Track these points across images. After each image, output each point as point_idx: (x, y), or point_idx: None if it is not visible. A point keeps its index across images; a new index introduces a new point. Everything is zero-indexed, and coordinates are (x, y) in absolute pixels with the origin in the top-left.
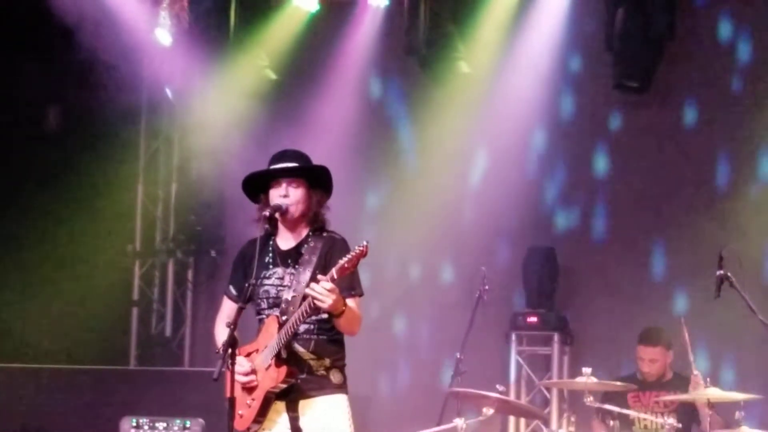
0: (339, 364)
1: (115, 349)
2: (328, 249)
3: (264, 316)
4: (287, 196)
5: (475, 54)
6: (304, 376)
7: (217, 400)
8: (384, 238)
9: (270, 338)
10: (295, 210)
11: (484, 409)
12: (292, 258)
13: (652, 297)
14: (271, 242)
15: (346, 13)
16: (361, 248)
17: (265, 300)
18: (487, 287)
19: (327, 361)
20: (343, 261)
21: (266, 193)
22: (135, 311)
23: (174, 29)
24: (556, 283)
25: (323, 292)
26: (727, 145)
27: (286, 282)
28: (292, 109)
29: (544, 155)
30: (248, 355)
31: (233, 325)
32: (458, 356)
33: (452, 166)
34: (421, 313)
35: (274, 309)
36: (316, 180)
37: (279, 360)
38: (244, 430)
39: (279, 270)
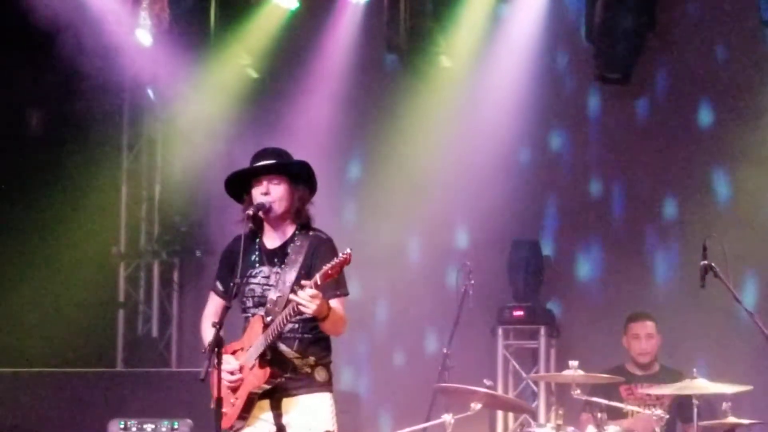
0: (324, 362)
1: (102, 351)
2: (313, 249)
3: (249, 315)
4: (268, 193)
5: (456, 48)
6: (288, 375)
7: (205, 401)
8: (368, 233)
9: (255, 338)
10: (278, 207)
11: (472, 404)
12: (278, 257)
13: (639, 289)
14: (257, 240)
15: (326, 9)
16: (345, 255)
17: (250, 299)
18: (472, 281)
19: (312, 360)
20: (326, 267)
21: (249, 193)
22: (121, 313)
23: (154, 29)
24: (541, 277)
25: (306, 298)
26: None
27: (272, 281)
28: (274, 107)
29: (526, 148)
30: (234, 353)
31: (219, 325)
32: (445, 351)
33: (434, 160)
34: (407, 309)
35: (260, 308)
36: (298, 176)
37: (263, 361)
38: (228, 428)
39: (265, 269)
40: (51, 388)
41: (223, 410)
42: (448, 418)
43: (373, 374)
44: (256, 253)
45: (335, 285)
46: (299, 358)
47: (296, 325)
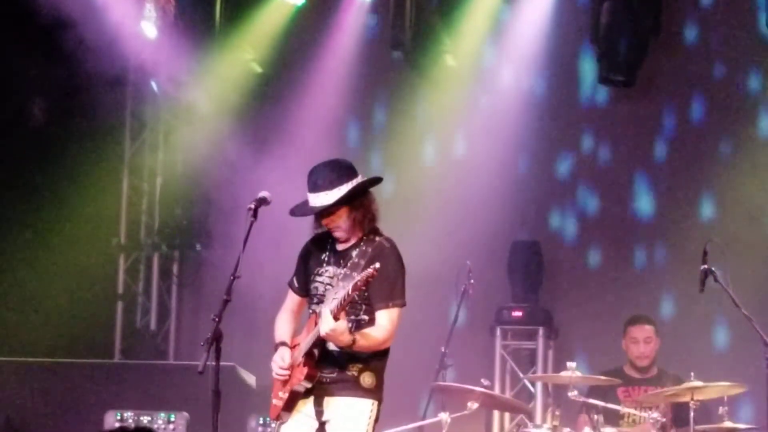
0: (374, 367)
1: (100, 342)
2: (373, 256)
3: (311, 312)
4: (330, 225)
5: (461, 47)
6: (334, 375)
7: (202, 394)
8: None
9: (309, 335)
10: (344, 233)
11: (469, 404)
12: (344, 259)
13: (638, 292)
14: (330, 240)
15: (332, 6)
16: (371, 271)
17: (315, 296)
18: (472, 281)
19: (360, 363)
20: (348, 288)
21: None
22: (120, 305)
23: (160, 22)
24: (541, 278)
25: (327, 330)
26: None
27: (334, 282)
28: (277, 103)
29: (529, 149)
30: (294, 346)
31: (218, 319)
32: (443, 350)
33: (437, 159)
34: (406, 308)
35: (319, 306)
36: (354, 196)
37: (308, 359)
38: (275, 419)
39: (331, 269)
40: (49, 378)
41: (274, 401)
42: (444, 416)
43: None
44: (327, 252)
45: (387, 294)
46: (348, 359)
47: (349, 324)
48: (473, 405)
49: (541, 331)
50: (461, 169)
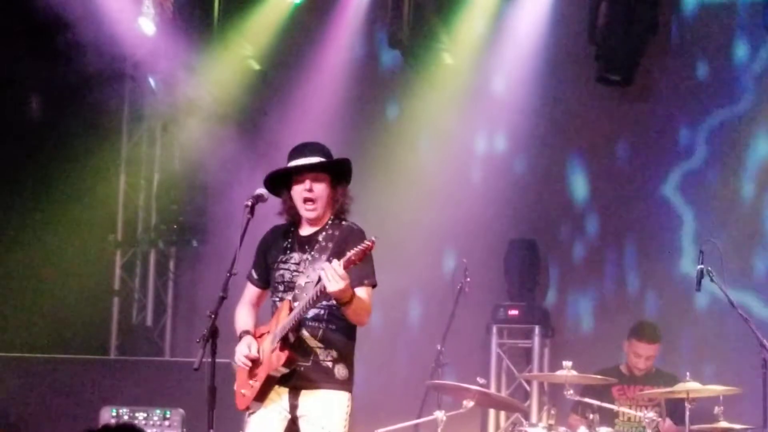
0: (347, 357)
1: (96, 338)
2: (344, 237)
3: (277, 299)
4: (311, 191)
5: (459, 45)
6: (308, 364)
7: (197, 390)
8: (364, 227)
9: (281, 322)
10: (320, 205)
11: (465, 402)
12: (309, 244)
13: (633, 291)
14: (292, 229)
15: (330, 3)
16: (369, 243)
17: (281, 284)
18: (468, 279)
19: (334, 353)
20: (350, 253)
21: (289, 188)
22: (116, 301)
23: (158, 18)
24: (537, 276)
25: (334, 274)
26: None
27: (302, 268)
28: (275, 99)
29: (526, 147)
30: (260, 336)
31: (214, 315)
32: (439, 348)
33: (435, 157)
34: (401, 305)
35: (288, 293)
36: (339, 173)
37: (284, 344)
38: (245, 409)
39: (296, 255)
40: (44, 374)
41: (243, 391)
42: (440, 414)
43: (365, 369)
44: (290, 240)
45: (363, 274)
46: (322, 348)
47: (322, 312)
48: (469, 403)
49: (537, 329)
50: (458, 167)
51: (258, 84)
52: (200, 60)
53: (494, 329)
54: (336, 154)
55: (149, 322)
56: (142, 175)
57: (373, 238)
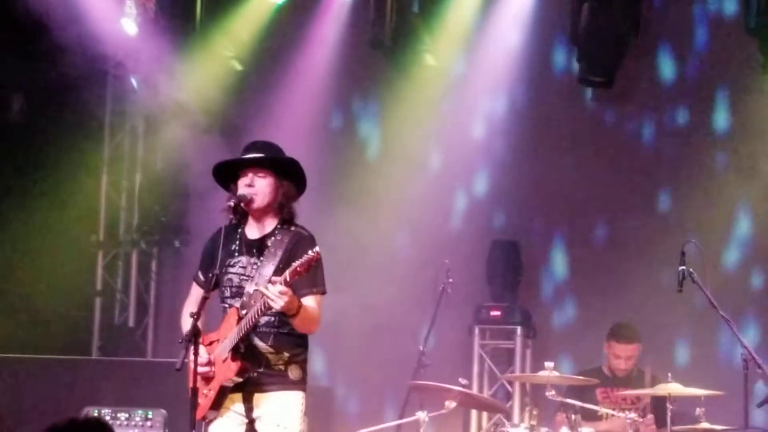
0: (299, 359)
1: (78, 339)
2: (293, 245)
3: (227, 305)
4: (252, 185)
5: (441, 47)
6: (261, 369)
7: (179, 391)
8: (347, 228)
9: (230, 330)
10: (260, 200)
11: (447, 402)
12: (257, 248)
13: (616, 291)
14: (239, 230)
15: (313, 4)
16: (312, 254)
17: (228, 288)
18: (450, 280)
19: (286, 356)
20: (295, 264)
21: (236, 183)
22: (98, 301)
23: (140, 19)
24: (520, 277)
25: (275, 293)
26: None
27: (249, 272)
28: (257, 100)
29: (509, 149)
30: (210, 344)
31: (197, 316)
32: (421, 349)
33: (417, 157)
34: (384, 305)
35: (236, 299)
36: (285, 172)
37: (235, 354)
38: (201, 419)
39: (243, 259)
40: (25, 374)
41: (198, 400)
42: (422, 415)
43: (347, 370)
44: (237, 242)
45: (311, 282)
46: (273, 353)
47: (272, 319)
48: (451, 404)
49: (519, 330)
50: (441, 168)
51: (240, 84)
52: (182, 60)
53: (476, 330)
54: (316, 154)
55: (131, 322)
56: (124, 176)
57: (317, 249)
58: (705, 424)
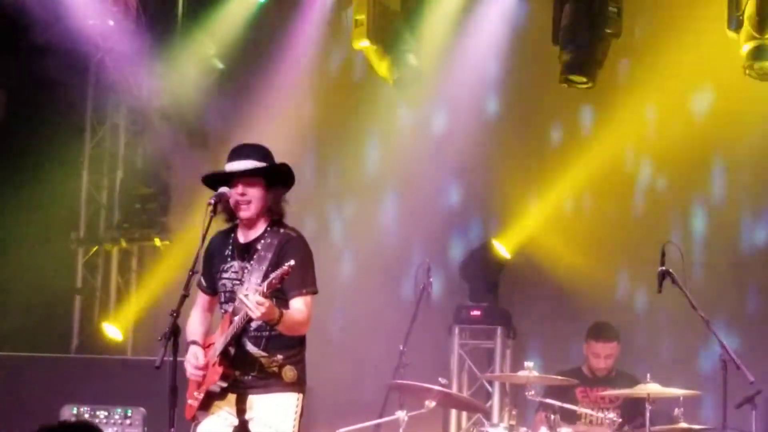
0: (293, 360)
1: (57, 336)
2: (281, 247)
3: (223, 311)
4: (244, 194)
5: (423, 47)
6: (254, 372)
7: (159, 389)
8: (329, 227)
9: (222, 336)
10: (255, 209)
11: (426, 402)
12: (248, 252)
13: (595, 291)
14: (232, 235)
15: (295, 3)
16: (287, 268)
17: (223, 294)
18: (431, 280)
19: (279, 358)
20: (272, 276)
21: (225, 186)
22: (77, 299)
23: (122, 17)
24: (499, 277)
25: (253, 303)
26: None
27: (240, 276)
28: (238, 98)
29: (489, 149)
30: (208, 346)
31: (176, 314)
32: (401, 348)
33: (399, 157)
34: (364, 305)
35: (229, 304)
36: (274, 176)
37: (223, 359)
38: (191, 420)
39: (236, 264)
40: (4, 371)
41: (189, 401)
42: (401, 415)
43: (327, 369)
44: (230, 247)
45: (300, 282)
46: (266, 356)
47: (263, 323)
48: (430, 403)
49: (499, 330)
50: (422, 168)
51: (221, 82)
52: (164, 58)
53: (456, 330)
54: (299, 153)
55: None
56: (105, 174)
57: (292, 262)
58: (683, 424)
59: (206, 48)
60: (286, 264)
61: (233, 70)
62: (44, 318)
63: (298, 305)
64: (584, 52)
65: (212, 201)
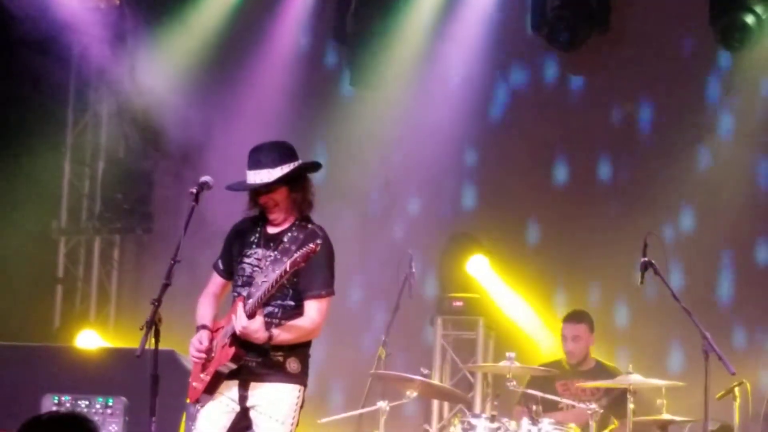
0: (299, 352)
1: (38, 326)
2: (305, 241)
3: (236, 294)
4: (267, 204)
5: (405, 39)
6: (260, 359)
7: (140, 378)
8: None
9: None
10: (280, 212)
11: (408, 392)
12: (274, 242)
13: (577, 284)
14: (260, 223)
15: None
16: (312, 246)
17: (240, 278)
18: (414, 270)
19: (286, 347)
20: (296, 255)
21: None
22: (59, 289)
23: (105, 6)
24: (482, 268)
25: (241, 324)
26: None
27: (262, 264)
28: (220, 92)
29: (471, 142)
30: (217, 330)
31: (157, 303)
32: (383, 339)
33: (381, 150)
34: (347, 295)
35: (245, 288)
36: (296, 178)
37: (233, 340)
38: (195, 402)
39: (260, 251)
40: None
41: (194, 384)
42: (383, 405)
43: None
44: (257, 234)
45: (320, 283)
46: (272, 346)
47: (275, 310)
48: (412, 394)
49: (481, 321)
50: (406, 160)
51: (203, 75)
52: (147, 48)
53: (439, 320)
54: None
55: (92, 310)
56: (86, 163)
57: (319, 241)
58: (666, 416)
59: (188, 41)
60: (313, 242)
61: (214, 64)
62: (26, 308)
63: (310, 311)
64: (568, 42)
65: (194, 190)
